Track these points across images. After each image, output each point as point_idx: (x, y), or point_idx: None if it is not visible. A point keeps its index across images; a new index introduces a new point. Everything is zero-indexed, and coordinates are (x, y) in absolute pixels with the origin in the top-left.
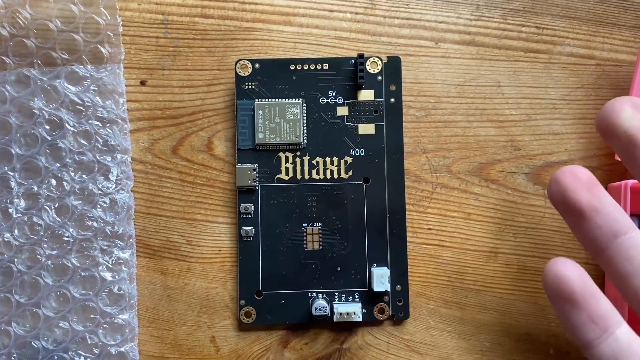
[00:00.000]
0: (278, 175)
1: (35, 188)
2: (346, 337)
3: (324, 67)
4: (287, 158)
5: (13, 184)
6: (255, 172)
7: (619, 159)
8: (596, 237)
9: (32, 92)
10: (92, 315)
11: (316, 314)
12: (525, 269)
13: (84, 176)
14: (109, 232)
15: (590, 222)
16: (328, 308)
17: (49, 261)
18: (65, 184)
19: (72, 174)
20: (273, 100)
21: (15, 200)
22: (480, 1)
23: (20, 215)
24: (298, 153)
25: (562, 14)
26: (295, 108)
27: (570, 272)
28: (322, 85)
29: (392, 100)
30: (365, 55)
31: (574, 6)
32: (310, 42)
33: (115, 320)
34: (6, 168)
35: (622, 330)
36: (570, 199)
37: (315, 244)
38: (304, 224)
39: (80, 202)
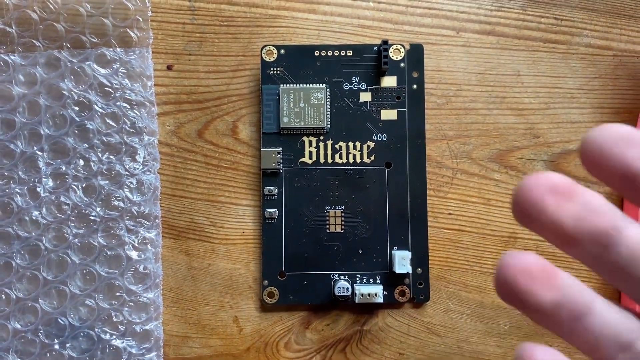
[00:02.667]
0: (302, 159)
1: (63, 168)
2: (367, 319)
3: (348, 54)
4: (310, 142)
5: (41, 164)
6: (279, 156)
7: None
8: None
9: (62, 74)
10: (117, 294)
11: (339, 294)
12: (543, 254)
13: (111, 157)
14: (135, 212)
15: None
16: (350, 289)
17: (76, 240)
18: (92, 164)
19: (100, 155)
20: (298, 85)
21: (44, 179)
22: None
23: (48, 194)
24: (321, 137)
25: (581, 6)
26: (319, 93)
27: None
28: (346, 71)
29: (415, 86)
30: (388, 43)
31: None
32: (333, 30)
33: (140, 299)
34: (35, 148)
35: None
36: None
37: (338, 227)
38: (327, 207)
39: (107, 182)
